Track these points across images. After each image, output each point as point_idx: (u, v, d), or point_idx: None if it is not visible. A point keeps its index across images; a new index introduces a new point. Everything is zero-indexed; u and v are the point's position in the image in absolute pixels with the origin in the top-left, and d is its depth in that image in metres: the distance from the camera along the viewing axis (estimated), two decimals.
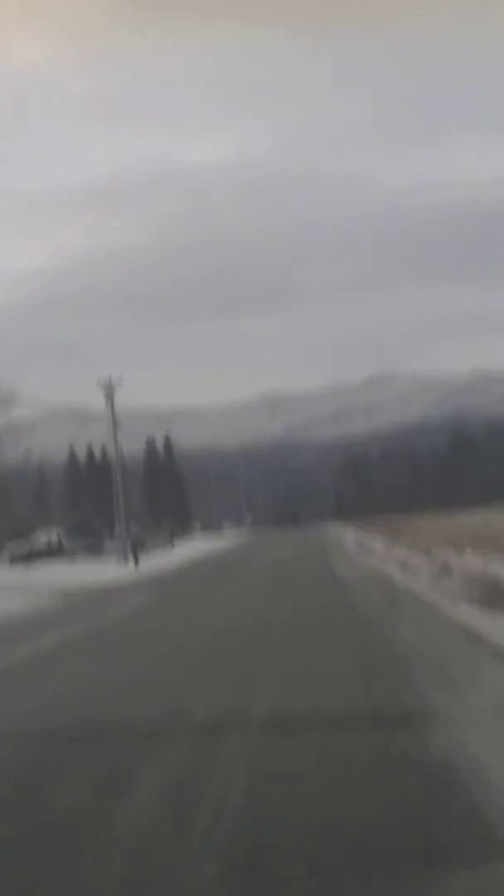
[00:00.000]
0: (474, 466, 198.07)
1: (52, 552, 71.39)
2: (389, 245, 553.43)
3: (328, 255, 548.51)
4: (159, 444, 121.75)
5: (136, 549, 53.80)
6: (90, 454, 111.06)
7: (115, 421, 59.83)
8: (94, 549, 74.24)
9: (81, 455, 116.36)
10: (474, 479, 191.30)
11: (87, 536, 77.48)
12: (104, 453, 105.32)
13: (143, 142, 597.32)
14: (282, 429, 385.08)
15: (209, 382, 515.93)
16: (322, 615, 19.26)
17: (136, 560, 52.60)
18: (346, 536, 71.19)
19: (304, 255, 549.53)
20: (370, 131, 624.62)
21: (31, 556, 68.91)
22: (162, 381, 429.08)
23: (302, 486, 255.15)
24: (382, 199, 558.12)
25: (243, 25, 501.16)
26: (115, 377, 60.30)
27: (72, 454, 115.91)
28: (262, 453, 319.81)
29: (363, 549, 50.06)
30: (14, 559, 67.11)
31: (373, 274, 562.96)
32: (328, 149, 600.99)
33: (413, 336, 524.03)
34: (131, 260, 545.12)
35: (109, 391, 59.95)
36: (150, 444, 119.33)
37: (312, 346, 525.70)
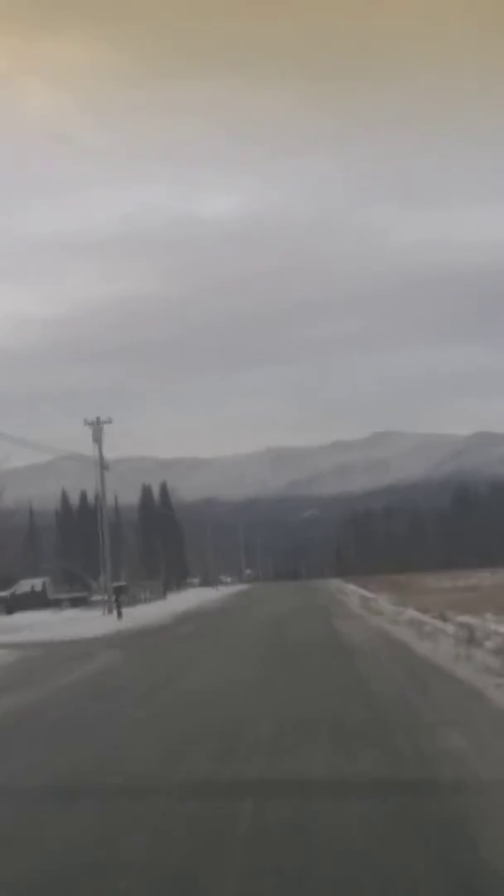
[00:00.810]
0: (477, 526, 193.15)
1: (36, 601, 65.90)
2: (394, 304, 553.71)
3: (334, 311, 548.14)
4: (157, 492, 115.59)
5: (120, 599, 48.13)
6: (83, 501, 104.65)
7: (102, 463, 54.54)
8: (81, 598, 68.76)
9: (77, 503, 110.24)
10: (477, 538, 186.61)
11: (74, 585, 71.92)
12: (97, 499, 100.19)
13: (150, 195, 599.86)
14: (285, 483, 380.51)
15: (214, 434, 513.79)
16: (326, 704, 13.85)
17: (119, 611, 47.01)
18: (349, 594, 65.71)
19: (310, 311, 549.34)
20: (375, 191, 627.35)
21: (11, 606, 63.46)
22: (167, 432, 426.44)
23: (303, 540, 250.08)
24: (388, 257, 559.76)
25: (259, 81, 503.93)
26: (103, 417, 55.36)
27: (64, 500, 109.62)
28: (265, 506, 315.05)
29: (369, 609, 44.71)
30: None
31: (378, 332, 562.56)
32: (335, 207, 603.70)
33: (416, 395, 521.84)
34: (138, 311, 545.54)
35: (97, 431, 54.83)
36: (146, 492, 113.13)
37: (317, 402, 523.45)
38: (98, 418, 55.08)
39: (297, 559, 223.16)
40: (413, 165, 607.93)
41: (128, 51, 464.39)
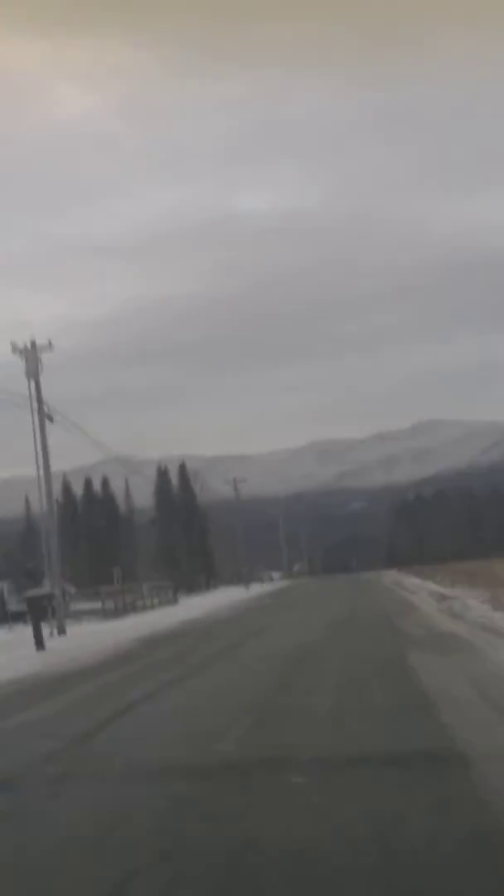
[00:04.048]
0: None
1: None
2: (436, 292, 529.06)
3: (376, 302, 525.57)
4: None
5: (38, 616, 27.11)
6: (87, 490, 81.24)
7: (41, 407, 33.87)
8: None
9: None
10: None
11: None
12: (105, 487, 79.67)
13: (188, 194, 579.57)
14: (331, 476, 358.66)
15: (258, 430, 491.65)
16: None
17: (39, 638, 26.21)
18: (415, 590, 44.77)
19: (352, 302, 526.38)
20: (417, 180, 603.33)
21: None
22: (211, 430, 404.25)
23: (352, 533, 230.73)
24: (431, 246, 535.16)
25: (293, 76, 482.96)
26: (40, 343, 34.16)
27: (66, 491, 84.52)
28: (312, 500, 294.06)
29: (467, 621, 24.01)
30: None
31: (417, 321, 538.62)
32: (376, 198, 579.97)
33: (458, 383, 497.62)
34: (178, 310, 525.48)
35: (32, 361, 34.11)
36: (162, 477, 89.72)
37: (360, 394, 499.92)
38: (33, 342, 34.26)
39: (347, 552, 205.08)
40: (452, 150, 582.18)
41: (161, 50, 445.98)
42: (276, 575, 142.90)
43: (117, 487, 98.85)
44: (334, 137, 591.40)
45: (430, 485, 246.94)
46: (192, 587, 76.99)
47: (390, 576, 75.80)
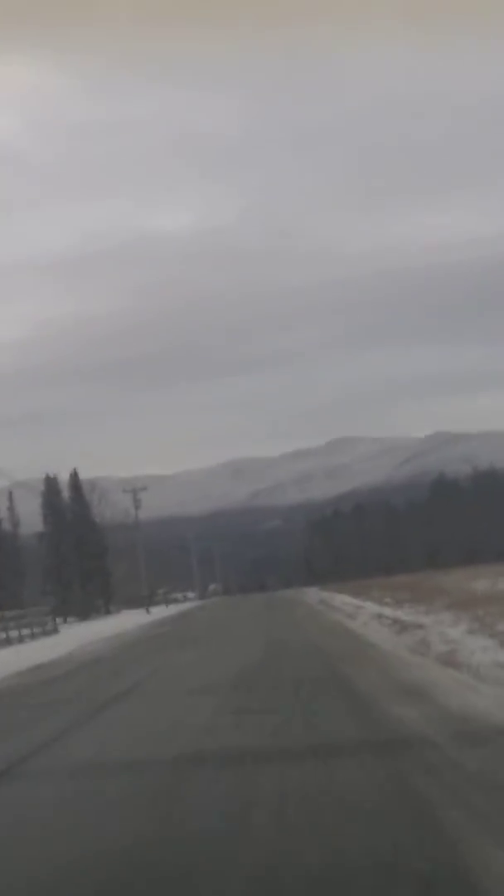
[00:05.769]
0: (454, 521, 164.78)
1: None
2: (348, 311, 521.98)
3: (290, 321, 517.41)
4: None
5: None
6: None
7: None
8: None
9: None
10: (455, 534, 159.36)
11: None
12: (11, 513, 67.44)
13: (103, 213, 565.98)
14: (246, 494, 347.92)
15: (173, 450, 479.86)
16: None
17: None
18: (353, 613, 33.53)
19: (267, 321, 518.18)
20: (334, 198, 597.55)
21: None
22: (126, 450, 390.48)
23: (269, 551, 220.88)
24: (345, 264, 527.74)
25: (205, 93, 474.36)
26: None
27: None
28: (227, 520, 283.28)
29: (438, 658, 13.17)
30: None
31: (332, 340, 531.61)
32: (292, 216, 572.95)
33: (371, 400, 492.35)
34: (96, 329, 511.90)
35: None
36: (51, 487, 76.06)
37: (274, 412, 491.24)
38: None
39: (264, 571, 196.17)
40: (369, 172, 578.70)
41: (68, 69, 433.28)
42: (191, 595, 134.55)
43: (24, 512, 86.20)
44: (249, 154, 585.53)
45: (345, 501, 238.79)
46: (87, 612, 65.11)
47: (313, 594, 64.72)
